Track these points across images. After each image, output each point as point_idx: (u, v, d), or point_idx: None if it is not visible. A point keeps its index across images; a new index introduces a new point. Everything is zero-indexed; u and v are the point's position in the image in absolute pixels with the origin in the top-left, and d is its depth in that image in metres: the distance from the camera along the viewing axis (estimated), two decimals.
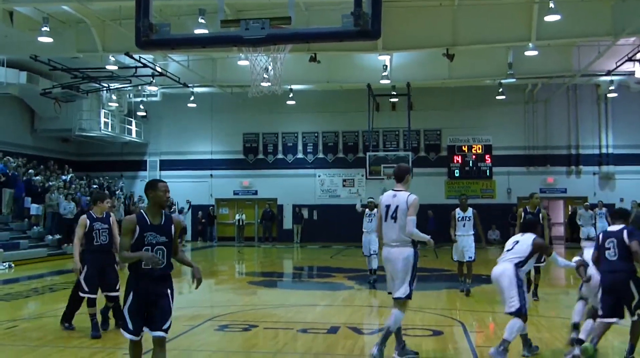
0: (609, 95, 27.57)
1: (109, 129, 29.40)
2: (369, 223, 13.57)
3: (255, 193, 31.89)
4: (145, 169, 32.43)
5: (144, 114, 31.49)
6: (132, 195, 29.78)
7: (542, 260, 9.31)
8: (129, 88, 28.46)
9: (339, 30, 4.78)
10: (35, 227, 22.42)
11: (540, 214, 10.98)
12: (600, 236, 6.96)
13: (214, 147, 31.97)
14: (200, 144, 31.98)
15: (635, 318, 6.48)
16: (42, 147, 29.29)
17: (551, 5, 17.09)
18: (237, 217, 31.38)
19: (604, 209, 24.03)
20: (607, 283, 6.64)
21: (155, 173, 31.43)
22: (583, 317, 6.97)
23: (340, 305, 11.38)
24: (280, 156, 31.82)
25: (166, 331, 5.17)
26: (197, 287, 5.38)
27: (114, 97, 29.16)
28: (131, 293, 5.11)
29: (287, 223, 31.30)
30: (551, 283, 14.66)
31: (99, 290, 8.17)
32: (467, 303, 11.09)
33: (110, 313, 8.42)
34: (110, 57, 22.44)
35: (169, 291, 5.22)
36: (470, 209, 12.07)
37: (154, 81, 26.16)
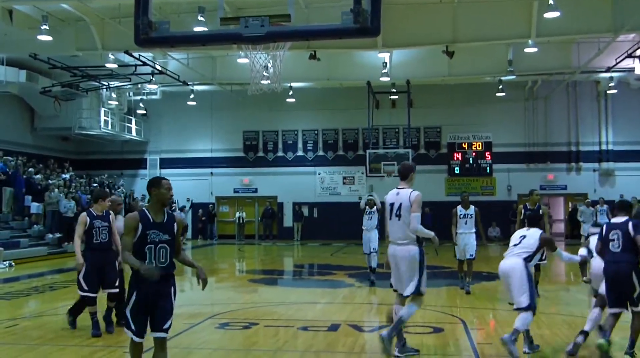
0: (609, 92, 27.54)
1: (109, 128, 29.38)
2: (368, 220, 13.57)
3: (256, 190, 31.89)
4: (146, 168, 32.42)
5: (144, 112, 31.48)
6: (133, 193, 29.76)
7: (544, 257, 9.33)
8: (129, 86, 28.43)
9: (339, 28, 4.77)
10: (35, 226, 22.42)
11: (541, 211, 10.97)
12: (604, 227, 6.97)
13: (214, 145, 31.96)
14: (200, 142, 31.98)
15: (637, 309, 6.50)
16: (42, 145, 29.28)
17: (551, 2, 17.05)
18: (237, 215, 31.37)
19: (605, 206, 24.00)
20: (610, 274, 6.69)
21: (156, 171, 31.43)
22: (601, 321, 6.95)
23: (340, 303, 11.38)
24: (280, 153, 31.81)
25: (166, 331, 5.14)
26: (203, 288, 5.31)
27: (113, 95, 29.13)
28: (134, 293, 5.05)
29: (288, 220, 31.30)
30: (552, 280, 14.67)
31: (100, 290, 8.15)
32: (467, 300, 11.10)
33: (113, 315, 8.37)
34: (110, 56, 22.41)
35: (172, 290, 5.18)
36: (472, 207, 11.98)
37: (153, 79, 26.16)
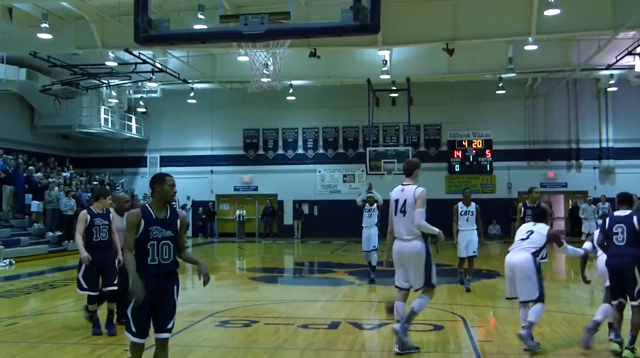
0: (609, 89, 27.53)
1: (109, 126, 29.38)
2: (368, 218, 13.57)
3: (256, 188, 31.90)
4: (146, 166, 32.43)
5: (144, 110, 31.48)
6: (133, 191, 29.76)
7: (545, 256, 9.33)
8: (129, 84, 28.44)
9: (339, 25, 4.78)
10: (35, 224, 22.42)
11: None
12: (608, 220, 6.97)
13: (214, 143, 31.97)
14: (200, 140, 31.99)
15: (636, 303, 6.51)
16: (42, 144, 29.29)
17: None
18: (237, 213, 31.39)
19: (606, 204, 24.01)
20: (614, 268, 6.72)
21: (156, 169, 31.36)
22: (611, 316, 7.00)
23: (340, 301, 11.38)
24: (280, 151, 31.81)
25: (170, 331, 5.10)
26: (205, 284, 5.11)
27: (113, 93, 29.14)
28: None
29: (288, 218, 31.31)
30: (552, 277, 14.66)
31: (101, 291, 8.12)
32: (467, 297, 11.10)
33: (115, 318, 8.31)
34: (110, 54, 22.40)
35: (175, 288, 5.12)
36: (473, 204, 11.92)
37: (153, 77, 26.17)
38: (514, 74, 24.97)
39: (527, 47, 21.52)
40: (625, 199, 7.04)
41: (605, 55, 23.15)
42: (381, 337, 8.01)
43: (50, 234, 22.06)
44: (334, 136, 31.41)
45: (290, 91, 27.63)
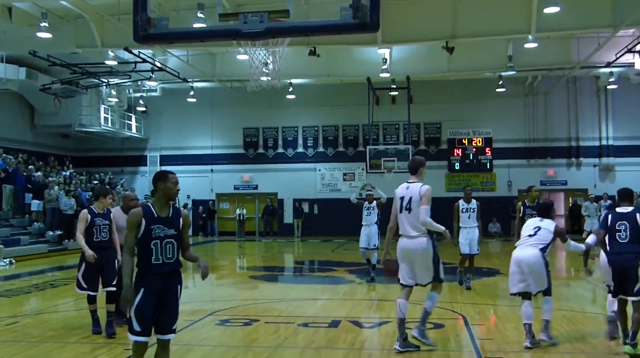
0: (609, 87, 27.54)
1: (109, 125, 29.40)
2: (367, 216, 13.54)
3: (256, 187, 31.90)
4: (146, 165, 32.46)
5: (144, 109, 31.49)
6: (133, 191, 29.75)
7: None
8: (129, 83, 28.44)
9: (338, 23, 4.78)
10: (35, 223, 22.42)
11: None
12: (610, 217, 6.92)
13: (214, 142, 31.97)
14: (200, 139, 31.99)
15: (636, 299, 6.51)
16: (42, 143, 29.29)
17: None
18: (237, 212, 31.40)
19: (608, 202, 23.99)
20: (616, 265, 6.72)
21: (156, 168, 31.35)
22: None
23: (341, 299, 11.37)
24: (280, 150, 31.81)
25: (174, 332, 5.09)
26: (203, 278, 5.08)
27: (113, 92, 29.14)
28: (141, 290, 4.91)
29: (288, 217, 31.32)
30: (552, 275, 14.62)
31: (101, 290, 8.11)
32: (468, 295, 11.09)
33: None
34: (110, 53, 22.41)
35: (178, 287, 5.08)
36: (474, 201, 11.87)
37: (153, 76, 26.17)
38: (514, 72, 24.99)
39: (526, 45, 21.52)
40: (626, 195, 7.02)
41: (605, 53, 23.14)
42: (381, 335, 8.00)
43: (50, 233, 22.06)
44: (334, 134, 31.41)
45: (290, 89, 27.63)
